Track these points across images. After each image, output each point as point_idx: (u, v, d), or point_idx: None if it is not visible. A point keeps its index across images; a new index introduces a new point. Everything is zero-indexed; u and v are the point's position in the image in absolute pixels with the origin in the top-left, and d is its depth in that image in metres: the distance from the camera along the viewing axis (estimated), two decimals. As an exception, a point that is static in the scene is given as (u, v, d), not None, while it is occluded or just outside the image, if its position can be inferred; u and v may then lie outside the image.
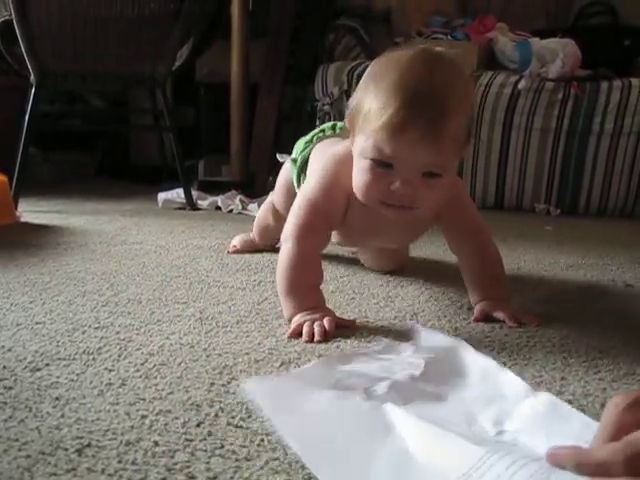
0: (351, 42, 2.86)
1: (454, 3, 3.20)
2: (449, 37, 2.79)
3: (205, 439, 0.67)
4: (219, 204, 2.39)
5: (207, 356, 0.91)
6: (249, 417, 0.72)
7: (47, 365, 0.86)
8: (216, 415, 0.73)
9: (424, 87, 0.94)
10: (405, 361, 0.85)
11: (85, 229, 1.90)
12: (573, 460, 0.54)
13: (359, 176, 1.03)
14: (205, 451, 0.65)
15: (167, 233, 1.87)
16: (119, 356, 0.90)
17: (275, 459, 0.64)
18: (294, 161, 1.35)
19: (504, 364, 0.91)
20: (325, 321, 1.01)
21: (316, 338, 0.98)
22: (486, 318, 1.12)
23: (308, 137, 1.36)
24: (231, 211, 2.34)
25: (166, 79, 2.42)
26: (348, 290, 1.29)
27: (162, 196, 2.45)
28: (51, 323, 1.03)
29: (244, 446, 0.66)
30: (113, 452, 0.64)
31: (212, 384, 0.81)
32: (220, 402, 0.76)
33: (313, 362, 0.87)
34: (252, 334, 1.01)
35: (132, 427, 0.69)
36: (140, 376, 0.83)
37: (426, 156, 0.96)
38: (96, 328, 1.01)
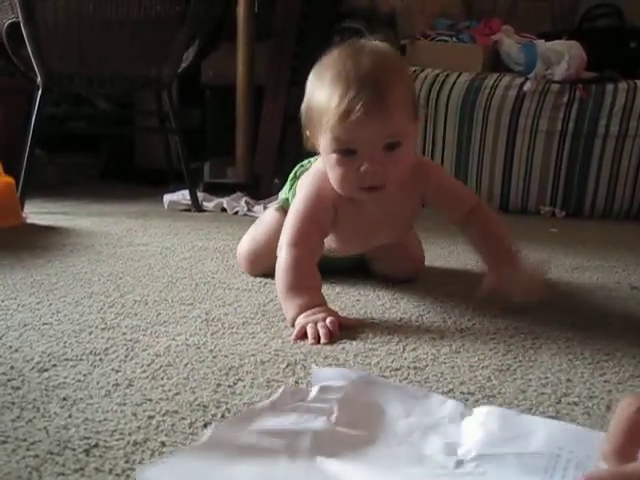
0: (356, 44, 2.86)
1: (459, 5, 3.20)
2: (454, 39, 2.79)
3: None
4: (225, 206, 2.39)
5: (213, 357, 0.91)
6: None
7: (54, 366, 0.86)
8: (222, 416, 0.73)
9: (357, 72, 1.04)
10: (313, 407, 0.73)
11: (91, 230, 1.90)
12: None
13: (331, 172, 1.11)
14: (212, 451, 0.65)
15: (173, 235, 1.87)
16: (126, 357, 0.90)
17: (281, 459, 0.64)
18: (286, 201, 1.34)
19: (509, 367, 0.92)
20: (328, 322, 1.02)
21: (322, 341, 0.98)
22: (493, 293, 1.16)
23: (292, 174, 1.38)
24: (237, 213, 2.34)
25: (172, 81, 2.42)
26: (353, 292, 1.30)
27: (168, 198, 2.46)
28: (58, 324, 1.04)
29: (251, 446, 0.66)
30: (120, 452, 0.64)
31: (218, 385, 0.81)
32: (226, 403, 0.76)
33: (214, 426, 0.69)
34: (258, 335, 1.01)
35: (139, 427, 0.69)
36: (147, 377, 0.83)
37: (379, 128, 1.05)
38: (103, 329, 1.02)
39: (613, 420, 0.58)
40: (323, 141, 1.09)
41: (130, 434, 0.68)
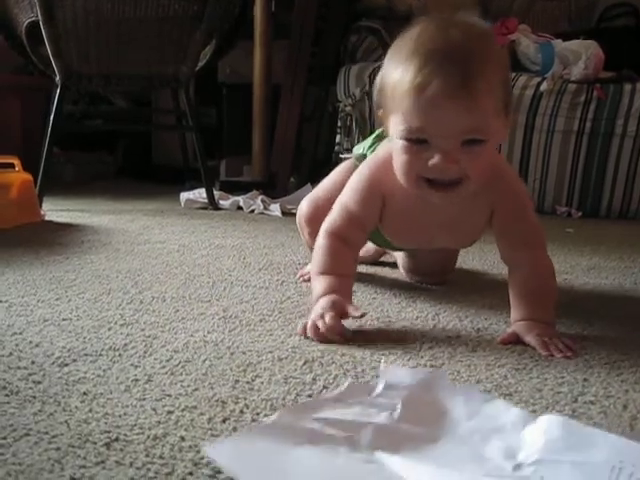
0: (373, 43, 2.86)
1: (476, 4, 3.19)
2: (471, 39, 2.78)
3: (230, 435, 0.68)
4: (241, 204, 2.40)
5: (231, 354, 0.92)
6: (273, 414, 0.73)
7: (74, 361, 0.87)
8: (241, 411, 0.74)
9: (443, 44, 0.90)
10: (377, 402, 0.73)
11: (109, 228, 1.92)
12: None
13: (396, 159, 0.98)
14: (231, 446, 0.66)
15: (190, 232, 1.89)
16: (145, 352, 0.91)
17: (299, 455, 0.64)
18: (362, 156, 1.24)
19: (526, 365, 0.92)
20: (327, 318, 0.98)
21: (311, 336, 0.98)
22: (515, 342, 1.01)
23: (377, 132, 1.26)
24: (253, 211, 2.35)
25: (189, 80, 2.44)
26: (370, 290, 1.30)
27: (184, 196, 2.47)
28: (77, 319, 1.05)
29: (269, 442, 0.67)
30: (140, 446, 0.65)
31: (237, 381, 0.82)
32: (245, 399, 0.77)
33: (278, 413, 0.70)
34: (275, 332, 1.02)
35: (159, 422, 0.70)
36: (166, 372, 0.84)
37: (460, 115, 0.89)
38: (121, 325, 1.03)
39: None
40: (392, 122, 0.95)
41: (150, 428, 0.69)
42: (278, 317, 1.10)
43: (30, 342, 0.94)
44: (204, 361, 0.88)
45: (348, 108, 2.63)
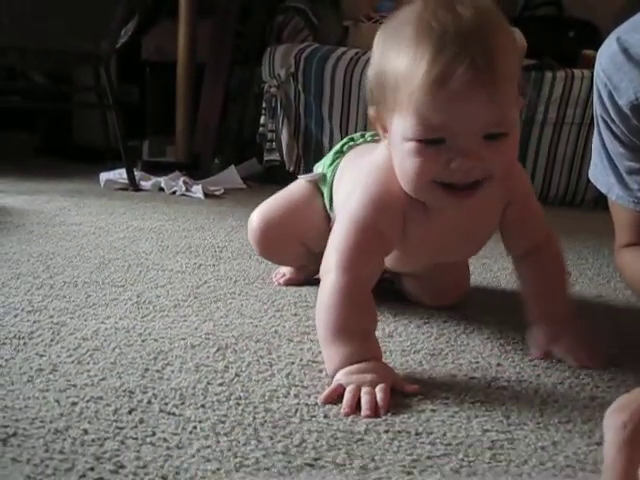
0: (299, 24, 2.83)
1: (403, -12, 3.20)
2: (397, 22, 2.79)
3: (136, 426, 0.66)
4: (162, 185, 2.35)
5: (142, 341, 0.89)
6: (182, 404, 0.71)
7: (-25, 350, 0.83)
8: (149, 402, 0.71)
9: (457, 25, 0.75)
10: None
11: (23, 209, 1.85)
12: None
13: (403, 164, 0.81)
14: (136, 439, 0.64)
15: (107, 214, 1.83)
16: (51, 341, 0.87)
17: (207, 447, 0.63)
18: (323, 177, 1.12)
19: (441, 351, 0.93)
20: (378, 390, 0.76)
21: (363, 413, 0.73)
22: (547, 355, 0.92)
23: (337, 147, 1.14)
24: (174, 192, 2.30)
25: (109, 56, 2.36)
26: (289, 275, 1.28)
27: (104, 176, 2.40)
28: (-18, 306, 1.00)
29: (176, 434, 0.65)
30: (40, 441, 0.62)
31: (146, 370, 0.80)
32: (153, 388, 0.75)
33: None
34: (189, 318, 1.00)
35: (61, 415, 0.67)
36: (72, 362, 0.81)
37: (485, 109, 0.75)
38: (29, 312, 0.99)
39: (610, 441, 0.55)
40: (399, 124, 0.79)
41: (51, 422, 0.66)
42: (193, 302, 1.07)
43: None
44: (114, 349, 0.86)
45: (273, 89, 2.60)
